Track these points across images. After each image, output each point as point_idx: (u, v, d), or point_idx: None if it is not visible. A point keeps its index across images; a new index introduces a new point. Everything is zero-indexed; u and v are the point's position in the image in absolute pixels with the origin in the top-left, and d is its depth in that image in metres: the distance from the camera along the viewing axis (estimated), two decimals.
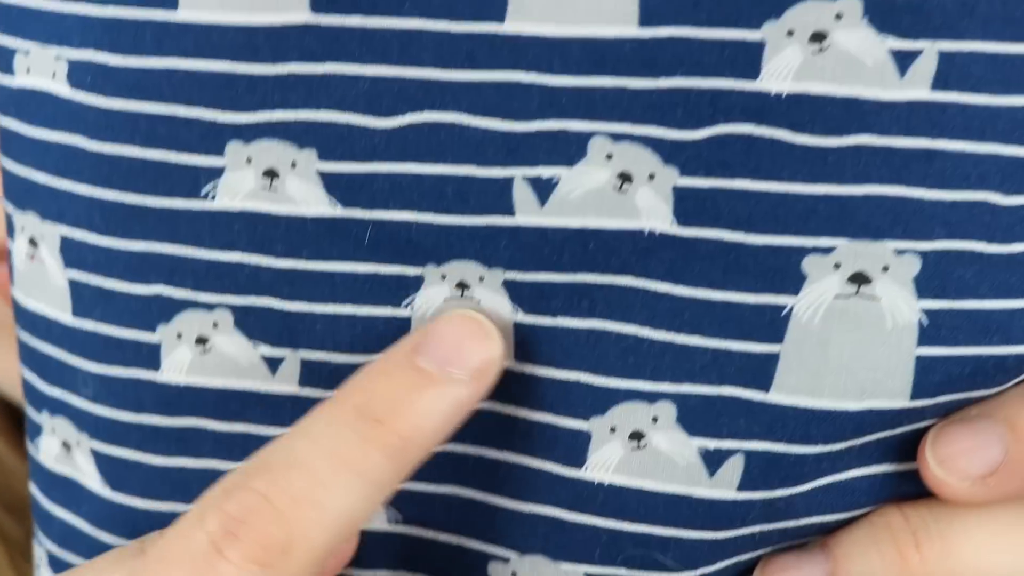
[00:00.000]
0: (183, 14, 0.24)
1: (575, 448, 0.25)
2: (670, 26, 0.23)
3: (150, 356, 0.27)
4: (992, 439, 0.24)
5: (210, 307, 0.26)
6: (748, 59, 0.23)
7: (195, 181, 0.25)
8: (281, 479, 0.23)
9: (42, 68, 0.27)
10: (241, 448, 0.27)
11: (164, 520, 0.28)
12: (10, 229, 0.29)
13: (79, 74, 0.26)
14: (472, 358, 0.24)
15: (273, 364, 0.27)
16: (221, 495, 0.23)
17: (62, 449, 0.30)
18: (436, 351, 0.24)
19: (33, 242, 0.28)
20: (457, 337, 0.24)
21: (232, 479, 0.23)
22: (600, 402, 0.25)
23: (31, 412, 0.31)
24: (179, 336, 0.27)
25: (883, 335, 0.23)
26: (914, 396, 0.24)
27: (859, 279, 0.23)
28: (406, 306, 0.25)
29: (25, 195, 0.28)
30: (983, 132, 0.22)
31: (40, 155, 0.27)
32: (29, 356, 0.30)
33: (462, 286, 0.25)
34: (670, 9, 0.23)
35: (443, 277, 0.25)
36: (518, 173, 0.24)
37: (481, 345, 0.24)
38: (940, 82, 0.22)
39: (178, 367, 0.27)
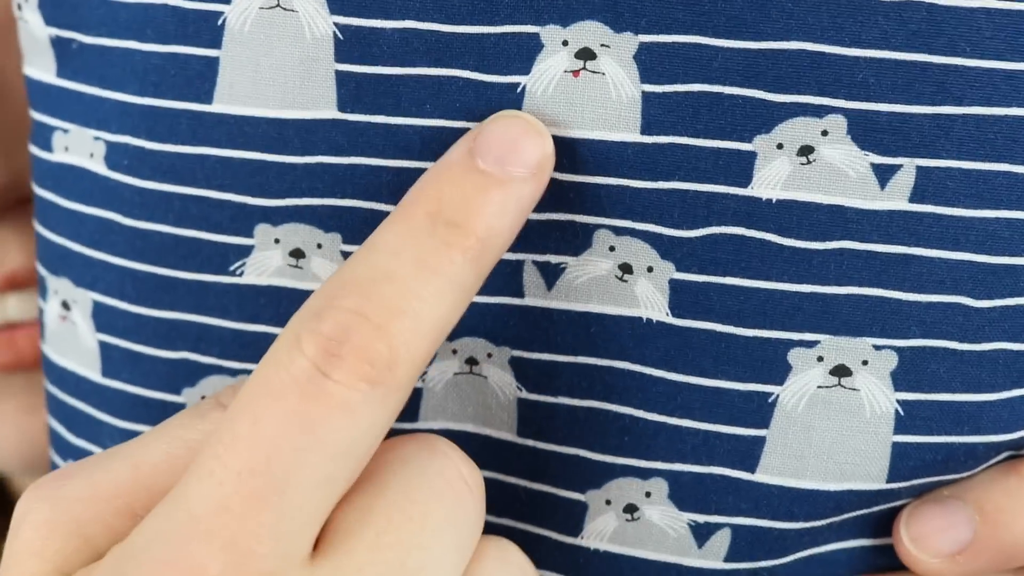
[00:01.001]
0: (217, 107, 0.26)
1: (572, 517, 0.27)
2: (670, 135, 0.25)
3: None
4: (962, 519, 0.26)
5: (234, 373, 0.28)
6: (741, 168, 0.25)
7: (224, 258, 0.27)
8: (373, 293, 0.22)
9: (80, 147, 0.28)
10: None
11: None
12: (43, 291, 0.31)
13: (116, 156, 0.27)
14: (529, 155, 0.24)
15: None
16: (311, 318, 0.22)
17: None
18: (493, 152, 0.24)
19: (66, 305, 0.30)
20: (510, 136, 0.24)
21: (317, 301, 0.22)
22: (597, 476, 0.27)
23: (56, 459, 0.32)
24: (203, 399, 0.29)
25: (862, 423, 0.25)
26: (890, 479, 0.26)
27: (840, 371, 0.25)
28: (420, 379, 0.27)
29: (60, 262, 0.30)
30: (957, 241, 0.24)
31: (76, 226, 0.29)
32: (57, 408, 0.32)
33: (471, 361, 0.27)
34: (670, 120, 0.25)
35: (454, 352, 0.27)
36: (528, 258, 0.26)
37: (535, 141, 0.24)
38: (918, 195, 0.24)
39: None
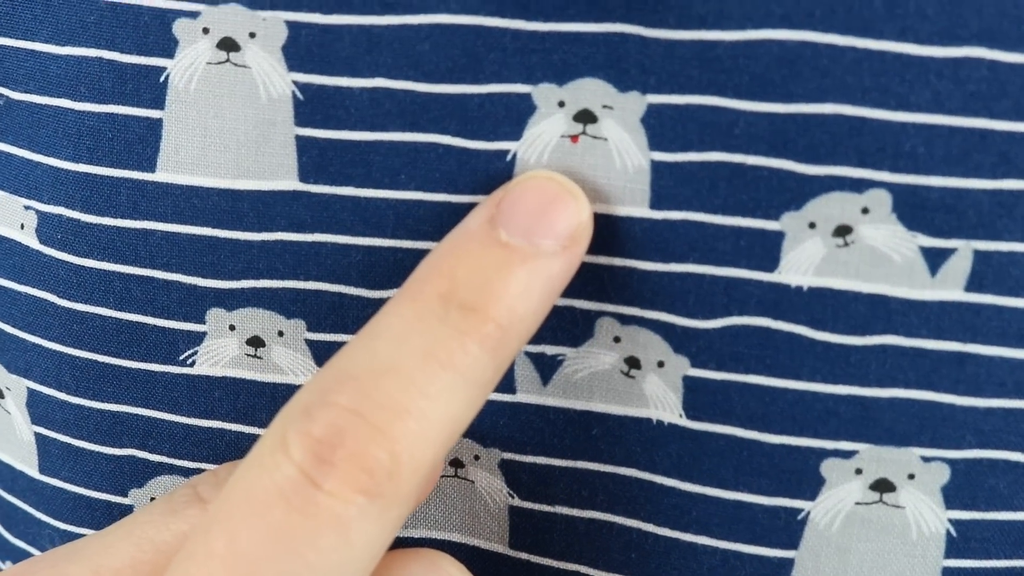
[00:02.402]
0: (161, 176, 0.23)
1: None
2: (683, 211, 0.21)
3: (121, 519, 0.26)
4: None
5: (187, 472, 0.25)
6: (766, 250, 0.21)
7: (173, 346, 0.24)
8: (372, 389, 0.18)
9: (10, 218, 0.25)
10: None
11: None
12: None
13: (49, 229, 0.24)
14: (560, 224, 0.20)
15: None
16: (301, 416, 0.19)
17: None
18: (518, 221, 0.20)
19: (0, 392, 0.27)
20: (540, 202, 0.21)
21: (307, 396, 0.19)
22: None
23: None
24: (152, 500, 0.25)
25: (907, 546, 0.22)
26: None
27: (882, 486, 0.22)
28: None
29: None
30: (1021, 337, 0.21)
31: (7, 306, 0.26)
32: None
33: (456, 464, 0.24)
34: (684, 193, 0.21)
35: None
36: (521, 349, 0.23)
37: (569, 208, 0.21)
38: (975, 283, 0.21)
39: None
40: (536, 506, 0.23)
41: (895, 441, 0.21)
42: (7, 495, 0.27)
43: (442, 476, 0.24)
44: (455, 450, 0.23)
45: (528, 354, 0.23)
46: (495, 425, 0.23)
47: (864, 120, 0.20)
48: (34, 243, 0.24)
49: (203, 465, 0.24)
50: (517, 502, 0.23)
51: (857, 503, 0.22)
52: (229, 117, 0.22)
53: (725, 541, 0.22)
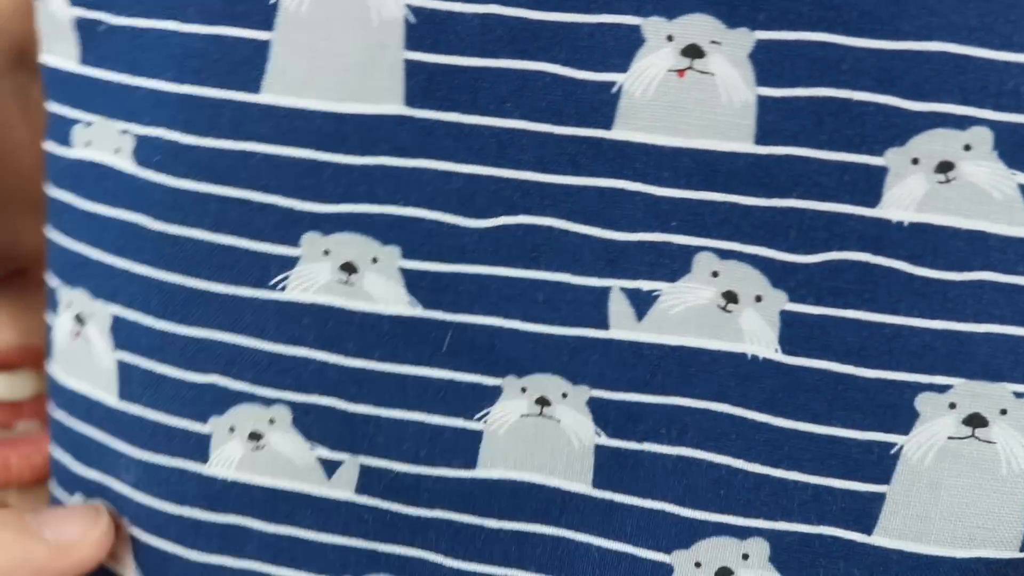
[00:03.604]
0: (266, 97, 0.23)
1: None
2: (788, 146, 0.22)
3: (199, 447, 0.26)
4: None
5: (268, 402, 0.25)
6: (869, 185, 0.21)
7: (265, 270, 0.24)
8: None
9: (105, 142, 0.25)
10: (287, 552, 0.26)
11: None
12: (52, 304, 0.28)
13: (147, 151, 0.24)
14: None
15: (330, 467, 0.25)
16: None
17: None
18: None
19: (80, 319, 0.27)
20: None
21: None
22: (685, 535, 0.23)
23: (60, 494, 0.29)
24: (232, 430, 0.25)
25: (997, 481, 0.22)
26: None
27: (975, 421, 0.22)
28: (479, 419, 0.24)
29: (75, 271, 0.26)
30: None
31: (96, 231, 0.26)
32: (63, 436, 0.28)
33: (542, 402, 0.24)
34: (789, 128, 0.22)
35: (523, 390, 0.24)
36: (616, 284, 0.23)
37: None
38: None
39: (227, 462, 0.25)
40: (624, 444, 0.24)
41: (989, 376, 0.22)
42: (81, 425, 0.27)
43: (527, 415, 0.24)
44: (543, 387, 0.23)
45: (624, 290, 0.23)
46: (586, 362, 0.23)
47: (968, 58, 0.21)
48: (130, 166, 0.25)
49: (285, 395, 0.24)
50: (604, 440, 0.24)
51: (950, 437, 0.22)
52: (339, 39, 0.22)
53: (816, 476, 0.23)
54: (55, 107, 0.26)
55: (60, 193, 0.27)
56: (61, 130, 0.26)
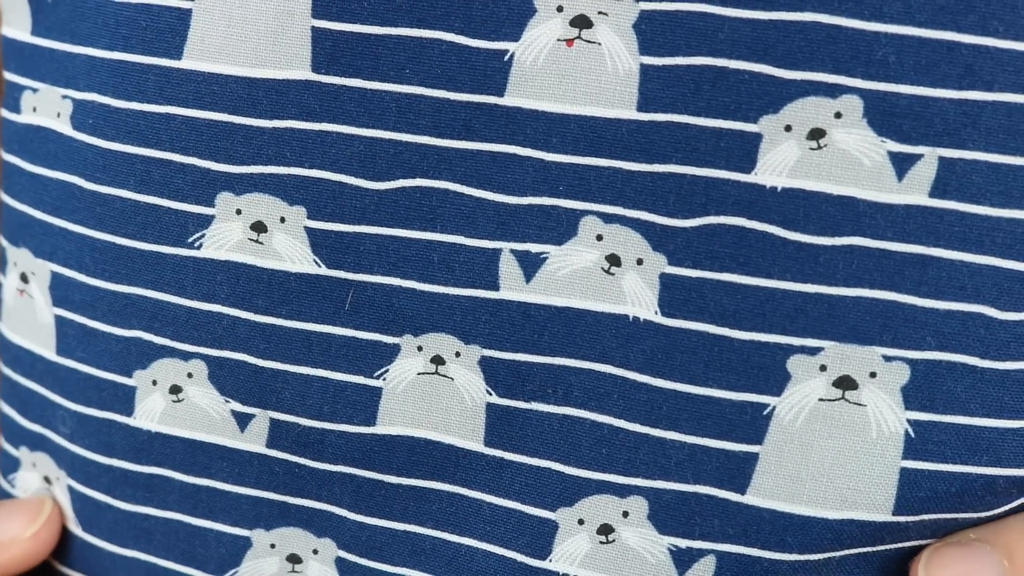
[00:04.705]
0: (187, 63, 0.24)
1: (541, 538, 0.24)
2: (668, 113, 0.22)
3: (125, 400, 0.27)
4: (989, 565, 0.23)
5: (186, 357, 0.26)
6: (744, 151, 0.22)
7: (183, 228, 0.25)
8: None
9: (48, 107, 0.27)
10: (205, 503, 0.27)
11: (129, 567, 0.28)
12: (2, 264, 0.29)
13: (82, 115, 0.26)
14: None
15: (243, 420, 0.26)
16: None
17: (43, 483, 0.29)
18: None
19: (24, 278, 0.28)
20: None
21: None
22: (569, 492, 0.24)
23: (7, 448, 0.30)
24: (154, 383, 0.26)
25: (867, 444, 0.23)
26: (897, 511, 0.23)
27: (845, 383, 0.22)
28: (379, 376, 0.25)
29: (21, 231, 0.28)
30: (981, 244, 0.22)
31: (39, 192, 0.27)
32: (10, 391, 0.30)
33: (437, 360, 0.25)
34: (669, 96, 0.22)
35: (419, 349, 0.25)
36: (506, 246, 0.24)
37: None
38: (939, 189, 0.22)
39: (150, 414, 0.27)
40: (513, 403, 0.24)
41: (859, 339, 0.22)
42: (25, 380, 0.29)
43: (422, 373, 0.25)
44: (438, 346, 0.24)
45: (513, 252, 0.24)
46: (477, 322, 0.24)
47: (840, 28, 0.21)
48: (68, 130, 0.26)
49: (201, 349, 0.26)
50: (495, 399, 0.24)
51: (820, 399, 0.23)
52: (253, 8, 0.24)
53: (693, 436, 0.23)
54: (9, 76, 0.28)
55: (10, 157, 0.28)
56: (13, 97, 0.28)
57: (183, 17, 0.24)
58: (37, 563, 0.29)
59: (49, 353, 0.28)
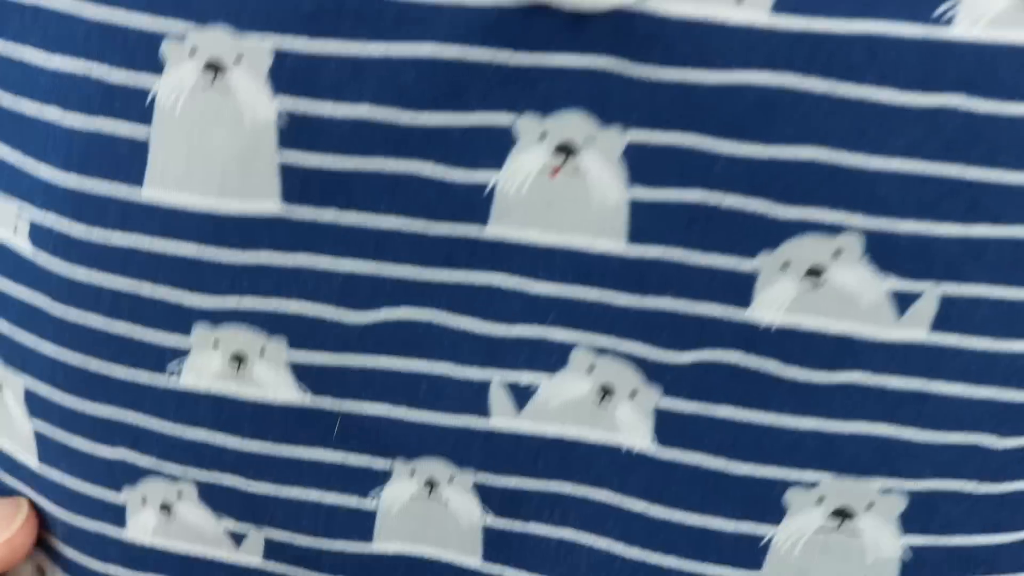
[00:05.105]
0: (148, 193, 0.23)
1: None
2: (660, 246, 0.22)
3: (116, 514, 0.26)
4: None
5: (174, 478, 0.26)
6: (740, 288, 0.21)
7: (160, 358, 0.24)
8: None
9: (3, 219, 0.25)
10: None
11: None
12: None
13: (41, 236, 0.24)
14: None
15: (237, 537, 0.26)
16: None
17: (36, 573, 0.29)
18: None
19: None
20: None
21: None
22: None
23: None
24: (144, 500, 0.26)
25: (863, 568, 0.23)
26: None
27: (842, 514, 0.22)
28: (372, 498, 0.25)
29: None
30: (981, 376, 0.21)
31: (3, 304, 0.26)
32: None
33: (430, 484, 0.24)
34: (661, 229, 0.21)
35: (412, 473, 0.24)
36: (496, 376, 0.23)
37: None
38: (940, 324, 0.21)
39: (143, 529, 0.26)
40: (510, 524, 0.24)
41: (856, 472, 0.22)
42: (11, 480, 0.28)
43: (415, 497, 0.24)
44: (431, 471, 0.24)
45: (503, 382, 0.23)
46: (469, 448, 0.24)
47: (840, 165, 0.20)
48: (28, 246, 0.25)
49: (189, 471, 0.25)
50: (491, 521, 0.24)
51: (817, 530, 0.23)
52: (214, 139, 0.22)
53: (691, 561, 0.23)
54: None
55: None
56: None
57: (140, 145, 0.23)
58: (9, 568, 0.29)
59: (32, 460, 0.27)
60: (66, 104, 0.23)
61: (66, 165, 0.24)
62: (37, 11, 0.23)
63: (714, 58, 0.20)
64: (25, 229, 0.25)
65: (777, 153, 0.21)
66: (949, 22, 0.20)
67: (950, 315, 0.21)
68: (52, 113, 0.23)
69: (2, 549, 0.27)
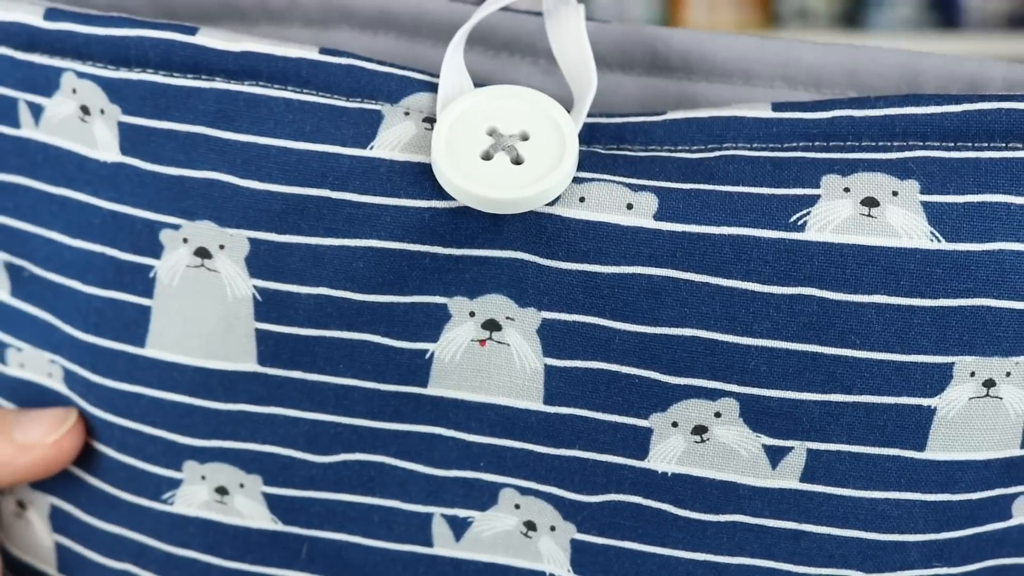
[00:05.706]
0: (149, 351, 0.27)
1: None
2: (571, 407, 0.25)
3: None
4: None
5: None
6: (637, 442, 0.25)
7: (157, 486, 0.29)
8: None
9: (37, 367, 0.30)
10: None
11: None
12: None
13: (72, 381, 0.29)
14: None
15: None
16: None
17: None
18: None
19: (21, 504, 0.32)
20: None
21: None
22: None
23: None
24: None
25: None
26: None
27: None
28: None
29: None
30: (846, 519, 0.25)
31: None
32: None
33: None
34: (571, 393, 0.25)
35: None
36: (437, 511, 0.27)
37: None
38: (808, 475, 0.25)
39: None
40: None
41: None
42: None
43: None
44: None
45: (444, 516, 0.27)
46: (416, 572, 0.28)
47: (716, 342, 0.24)
48: (63, 389, 0.29)
49: None
50: None
51: None
52: (203, 309, 0.27)
53: None
54: None
55: (1, 402, 0.31)
56: None
57: (144, 312, 0.27)
58: (56, 471, 0.30)
59: (51, 570, 0.32)
60: (85, 279, 0.28)
61: (85, 327, 0.28)
62: (65, 200, 0.28)
63: (610, 253, 0.24)
64: (60, 376, 0.29)
65: (663, 331, 0.24)
66: (802, 227, 0.24)
67: (816, 468, 0.25)
68: (74, 284, 0.28)
69: (50, 450, 0.28)
